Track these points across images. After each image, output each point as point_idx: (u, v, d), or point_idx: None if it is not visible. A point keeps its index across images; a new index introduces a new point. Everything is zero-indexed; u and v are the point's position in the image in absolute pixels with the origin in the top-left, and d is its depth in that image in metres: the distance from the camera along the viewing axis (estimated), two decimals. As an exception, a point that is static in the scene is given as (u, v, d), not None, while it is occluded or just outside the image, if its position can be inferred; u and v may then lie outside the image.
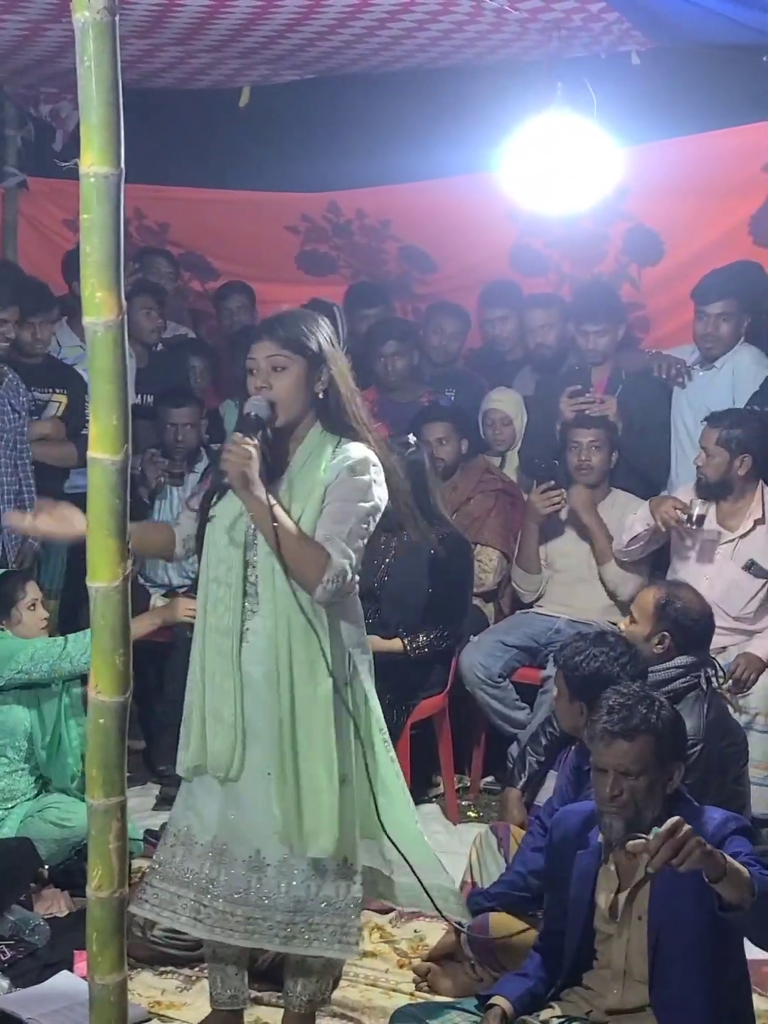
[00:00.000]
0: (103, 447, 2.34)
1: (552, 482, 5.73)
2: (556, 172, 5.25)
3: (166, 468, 6.29)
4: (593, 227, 6.43)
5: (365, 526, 3.42)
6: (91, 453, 2.34)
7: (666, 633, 4.50)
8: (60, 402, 6.11)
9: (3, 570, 5.23)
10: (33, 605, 4.91)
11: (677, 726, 3.44)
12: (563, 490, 5.75)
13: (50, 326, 6.14)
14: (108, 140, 2.24)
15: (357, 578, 3.50)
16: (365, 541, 3.43)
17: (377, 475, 3.46)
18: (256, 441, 3.36)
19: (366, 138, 6.77)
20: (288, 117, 6.83)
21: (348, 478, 3.41)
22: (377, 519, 3.47)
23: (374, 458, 3.48)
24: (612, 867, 3.41)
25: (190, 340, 7.26)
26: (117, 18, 2.22)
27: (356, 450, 3.47)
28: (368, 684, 3.63)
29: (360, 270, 7.35)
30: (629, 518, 5.68)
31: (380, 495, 3.47)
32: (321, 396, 3.49)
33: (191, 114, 6.99)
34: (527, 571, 5.88)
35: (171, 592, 6.20)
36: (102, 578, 2.37)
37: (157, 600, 6.16)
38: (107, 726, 2.42)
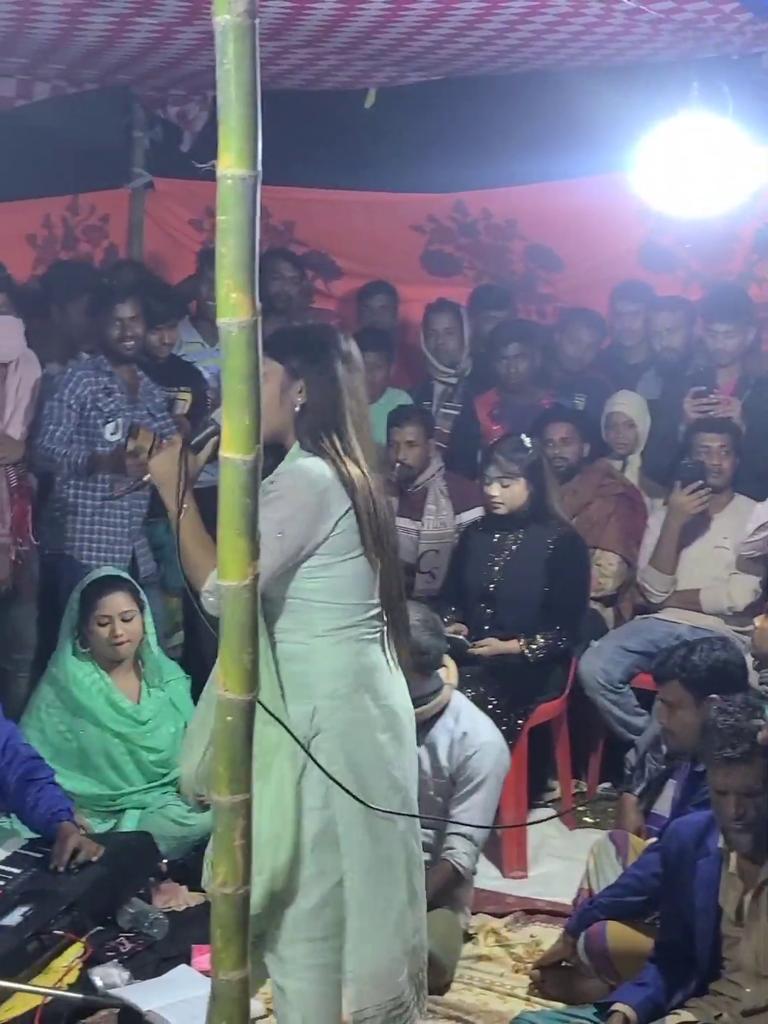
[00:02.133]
0: (235, 447, 2.35)
1: (700, 482, 5.65)
2: (691, 173, 5.18)
3: None
4: (723, 226, 6.33)
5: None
6: (223, 453, 2.35)
7: None
8: (185, 400, 6.16)
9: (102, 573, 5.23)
10: (103, 622, 4.92)
11: None
12: (709, 489, 5.67)
13: (175, 329, 6.20)
14: (246, 143, 2.24)
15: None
16: (272, 559, 3.11)
17: (287, 491, 3.21)
18: (180, 439, 3.28)
19: (493, 139, 6.76)
20: (414, 118, 6.85)
21: (263, 495, 3.14)
22: (286, 538, 3.18)
23: (298, 472, 3.24)
24: (734, 871, 3.41)
25: None
26: (257, 21, 2.23)
27: (287, 466, 3.28)
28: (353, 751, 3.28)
29: (484, 270, 7.34)
30: (756, 509, 5.61)
31: (284, 515, 3.17)
32: (297, 410, 3.31)
33: (317, 115, 7.02)
34: (661, 571, 5.81)
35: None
36: (232, 577, 2.38)
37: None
38: (234, 724, 2.42)
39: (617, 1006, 3.52)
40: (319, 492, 3.22)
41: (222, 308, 2.32)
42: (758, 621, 4.72)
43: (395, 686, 3.36)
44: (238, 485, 2.36)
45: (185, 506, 3.22)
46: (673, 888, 3.62)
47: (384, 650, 3.34)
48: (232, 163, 2.26)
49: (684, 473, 5.72)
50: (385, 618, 3.34)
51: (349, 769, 3.24)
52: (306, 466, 3.26)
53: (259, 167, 2.28)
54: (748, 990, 3.39)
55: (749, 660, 4.62)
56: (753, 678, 4.70)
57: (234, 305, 2.31)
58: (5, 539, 5.50)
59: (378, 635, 3.33)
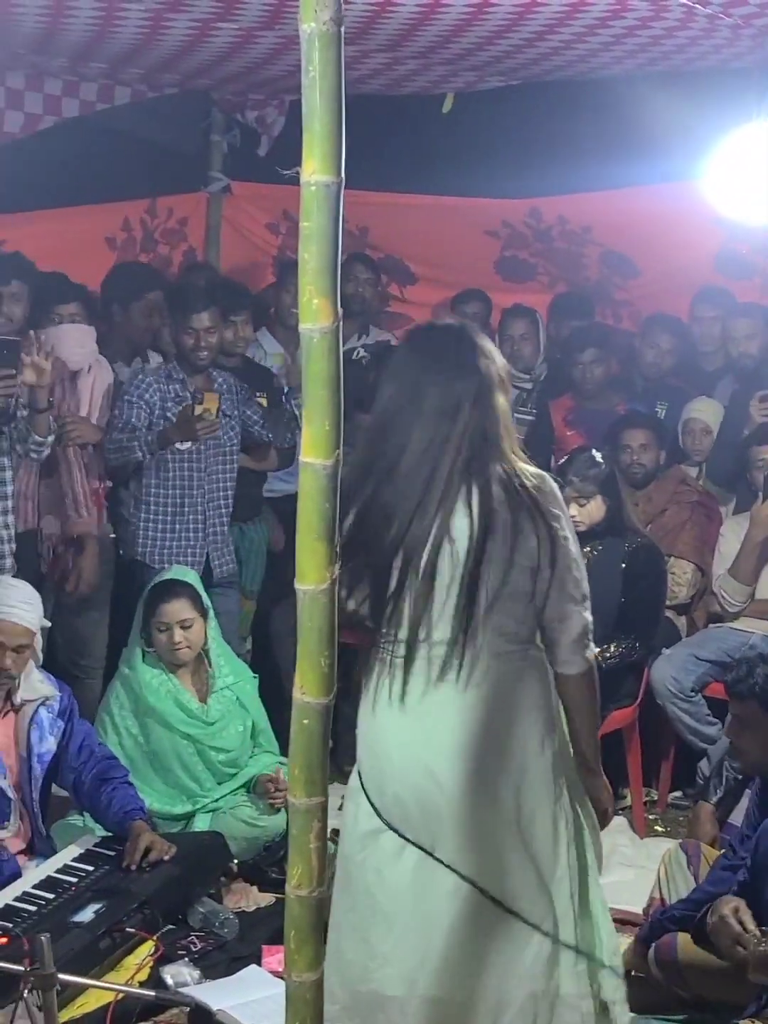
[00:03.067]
0: (315, 451, 2.36)
1: None
2: (764, 181, 5.15)
3: None
4: (800, 232, 6.31)
5: None
6: (303, 457, 2.36)
7: None
8: (261, 404, 6.18)
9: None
10: (162, 628, 4.95)
11: None
12: None
13: (249, 325, 6.20)
14: (331, 149, 2.26)
15: None
16: None
17: None
18: None
19: (569, 145, 6.76)
20: (491, 123, 6.84)
21: None
22: None
23: None
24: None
25: (389, 344, 7.28)
26: (342, 28, 2.25)
27: None
28: None
29: (559, 276, 7.34)
30: None
31: None
32: None
33: (394, 120, 7.03)
34: (741, 582, 5.76)
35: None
36: (310, 581, 2.39)
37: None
38: (311, 727, 2.44)
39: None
40: None
41: (304, 314, 2.33)
42: None
43: None
44: (318, 489, 2.37)
45: None
46: (756, 892, 3.60)
47: None
48: (316, 169, 2.28)
49: None
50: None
51: None
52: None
53: (342, 173, 2.30)
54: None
55: None
56: None
57: (316, 311, 2.32)
58: (91, 529, 5.54)
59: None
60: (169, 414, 5.61)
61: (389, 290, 7.67)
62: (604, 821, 3.42)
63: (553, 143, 6.86)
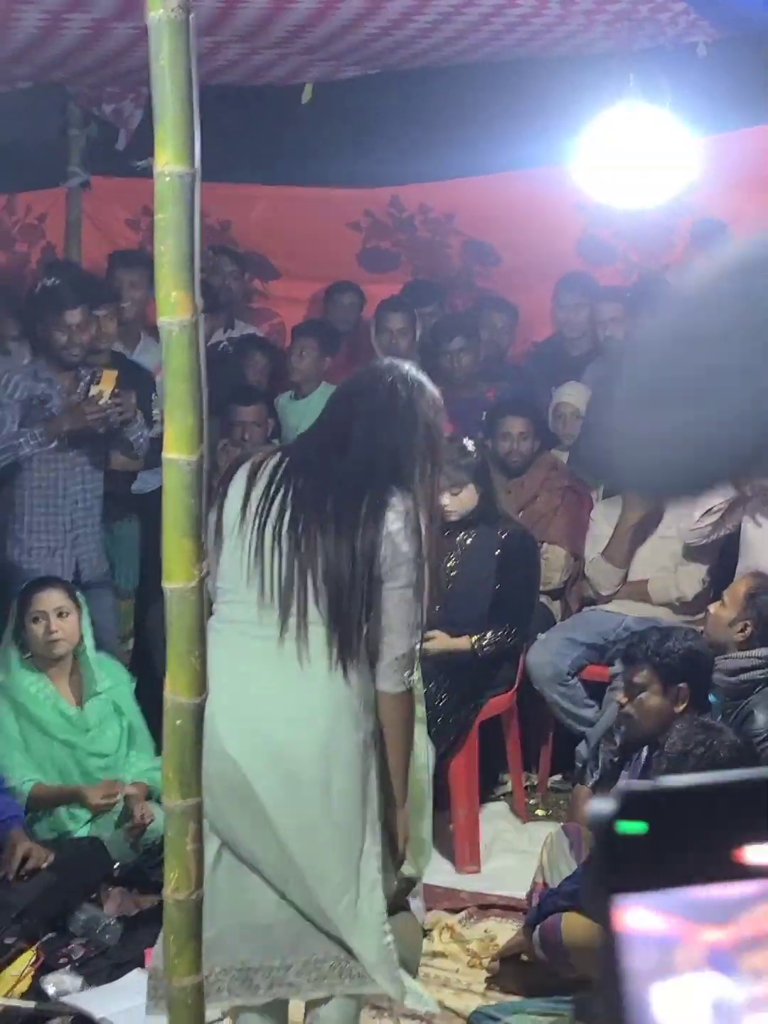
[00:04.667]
0: (178, 447, 2.32)
1: None
2: (631, 164, 5.19)
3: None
4: (660, 218, 6.38)
5: None
6: (166, 454, 2.32)
7: (749, 622, 4.70)
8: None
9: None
10: (37, 618, 4.87)
11: (744, 752, 3.49)
12: None
13: (113, 321, 6.14)
14: (183, 140, 2.22)
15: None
16: None
17: None
18: None
19: (431, 133, 6.77)
20: (351, 113, 6.82)
21: None
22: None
23: None
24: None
25: (254, 337, 7.23)
26: (191, 16, 2.21)
27: None
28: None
29: (422, 266, 7.33)
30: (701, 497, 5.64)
31: None
32: None
33: (253, 111, 6.98)
34: (615, 565, 5.80)
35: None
36: (178, 579, 2.35)
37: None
38: (184, 728, 2.40)
39: None
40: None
41: (163, 307, 2.29)
42: (712, 608, 4.79)
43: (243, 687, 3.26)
44: (182, 486, 2.34)
45: None
46: None
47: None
48: (170, 160, 2.24)
49: None
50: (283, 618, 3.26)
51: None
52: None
53: (197, 164, 2.26)
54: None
55: None
56: None
57: (175, 304, 2.28)
58: None
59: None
60: (34, 414, 5.54)
61: (252, 285, 7.62)
62: (395, 856, 3.40)
63: (413, 131, 6.86)
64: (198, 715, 2.41)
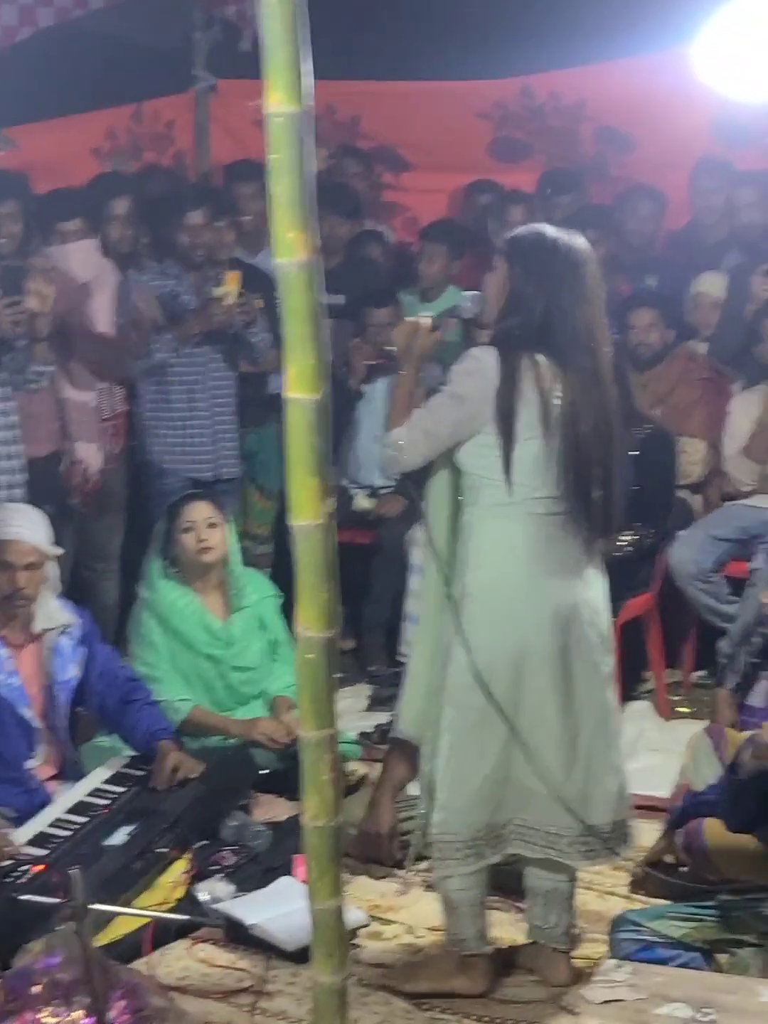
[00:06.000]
0: (300, 387, 2.32)
1: None
2: (754, 48, 5.00)
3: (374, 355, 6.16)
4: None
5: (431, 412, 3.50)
6: (288, 393, 2.33)
7: None
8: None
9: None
10: (188, 529, 4.93)
11: None
12: None
13: (231, 230, 6.16)
14: (292, 78, 2.20)
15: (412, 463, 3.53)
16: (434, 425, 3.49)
17: (453, 377, 3.50)
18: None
19: (557, 19, 6.67)
20: (475, 3, 6.69)
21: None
22: (453, 408, 3.47)
23: (466, 358, 3.51)
24: None
25: (371, 232, 7.10)
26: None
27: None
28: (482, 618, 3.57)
29: (554, 155, 7.20)
30: None
31: (441, 399, 3.51)
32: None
33: (380, 6, 6.89)
34: (756, 461, 5.70)
35: (374, 493, 6.22)
36: (305, 516, 2.37)
37: (361, 500, 6.19)
38: (315, 661, 2.43)
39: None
40: (479, 380, 3.43)
41: (279, 248, 2.29)
42: None
43: (551, 569, 3.48)
44: (305, 425, 2.34)
45: (404, 372, 3.63)
46: None
47: (563, 535, 3.48)
48: (280, 100, 2.23)
49: None
50: (569, 503, 3.46)
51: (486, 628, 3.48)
52: (473, 354, 3.50)
53: (309, 101, 2.24)
54: None
55: None
56: None
57: (291, 245, 2.28)
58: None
59: (550, 519, 3.47)
60: (171, 311, 5.69)
61: (383, 179, 7.55)
62: None
63: (540, 19, 6.72)
64: (329, 648, 2.44)
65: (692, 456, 5.99)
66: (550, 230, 3.53)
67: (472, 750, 3.52)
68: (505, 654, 3.48)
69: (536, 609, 3.48)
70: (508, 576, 3.48)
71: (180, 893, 4.06)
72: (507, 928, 3.97)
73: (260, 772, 4.72)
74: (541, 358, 3.43)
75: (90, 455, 5.53)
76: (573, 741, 3.53)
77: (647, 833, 4.50)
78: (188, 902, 4.01)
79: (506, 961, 3.82)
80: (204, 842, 4.32)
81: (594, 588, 3.58)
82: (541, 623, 3.48)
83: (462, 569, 3.52)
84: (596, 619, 3.57)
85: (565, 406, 3.43)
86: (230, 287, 5.56)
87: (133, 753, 4.66)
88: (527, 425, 3.42)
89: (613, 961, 3.28)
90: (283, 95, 2.21)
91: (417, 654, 3.73)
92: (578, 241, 3.50)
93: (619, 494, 3.55)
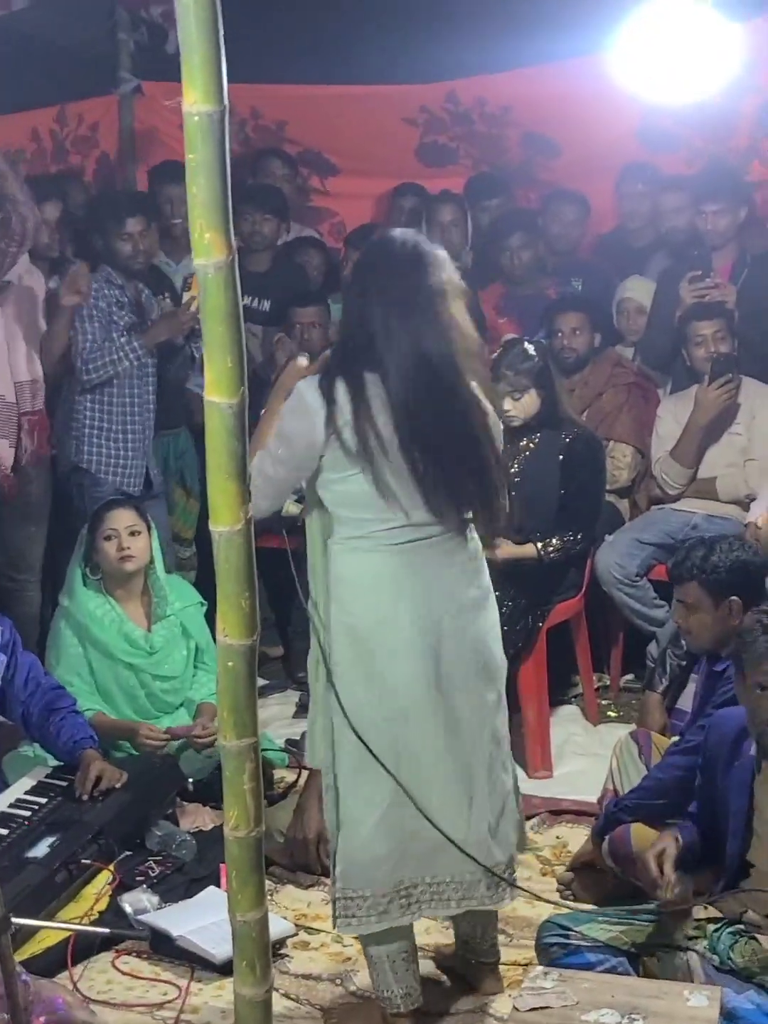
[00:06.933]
0: (219, 390, 2.29)
1: (729, 375, 5.53)
2: (673, 55, 4.99)
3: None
4: (723, 102, 6.16)
5: (268, 453, 3.31)
6: (207, 397, 2.30)
7: None
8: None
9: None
10: (109, 536, 4.88)
11: None
12: (739, 380, 5.58)
13: (153, 233, 6.10)
14: (211, 77, 2.17)
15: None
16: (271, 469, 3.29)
17: (283, 414, 3.31)
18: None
19: (484, 23, 6.61)
20: (402, 6, 6.68)
21: None
22: (283, 447, 3.28)
23: (292, 395, 3.30)
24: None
25: (309, 238, 7.14)
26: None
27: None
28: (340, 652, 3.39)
29: (481, 159, 7.21)
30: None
31: (277, 437, 3.30)
32: None
33: (305, 10, 6.85)
34: (683, 465, 5.71)
35: (301, 498, 6.16)
36: (225, 522, 2.34)
37: (289, 505, 6.14)
38: (236, 669, 2.40)
39: (669, 831, 3.61)
40: (301, 417, 3.25)
41: (197, 249, 2.25)
42: (761, 516, 4.69)
43: (416, 605, 3.32)
44: (225, 429, 2.31)
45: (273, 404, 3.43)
46: (708, 782, 3.62)
47: (435, 562, 3.33)
48: (198, 99, 2.20)
49: (717, 366, 5.54)
50: (443, 526, 3.32)
51: (360, 687, 3.34)
52: (297, 388, 3.30)
53: (226, 101, 2.21)
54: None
55: None
56: None
57: (209, 245, 2.24)
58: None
59: (414, 547, 3.31)
60: (115, 318, 5.63)
61: (310, 183, 7.52)
62: None
63: (466, 23, 6.71)
64: (250, 656, 2.40)
65: (619, 461, 6.00)
66: (383, 240, 3.36)
67: (362, 795, 3.36)
68: (378, 713, 3.33)
69: (405, 656, 3.31)
70: (369, 624, 3.31)
71: (104, 904, 4.02)
72: (435, 935, 3.96)
73: (186, 781, 4.67)
74: (371, 378, 3.22)
75: (1, 452, 5.41)
76: (466, 781, 3.41)
77: (574, 837, 4.53)
78: (113, 914, 3.97)
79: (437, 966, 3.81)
80: (129, 853, 4.28)
81: (479, 613, 3.42)
82: (413, 671, 3.32)
83: (327, 618, 3.35)
84: (479, 647, 3.41)
85: (403, 428, 3.20)
86: (196, 292, 5.52)
87: (57, 763, 4.60)
88: (363, 453, 3.20)
89: (541, 968, 3.27)
90: (200, 94, 2.18)
91: (313, 692, 3.50)
92: (412, 246, 3.28)
93: (500, 506, 3.37)
